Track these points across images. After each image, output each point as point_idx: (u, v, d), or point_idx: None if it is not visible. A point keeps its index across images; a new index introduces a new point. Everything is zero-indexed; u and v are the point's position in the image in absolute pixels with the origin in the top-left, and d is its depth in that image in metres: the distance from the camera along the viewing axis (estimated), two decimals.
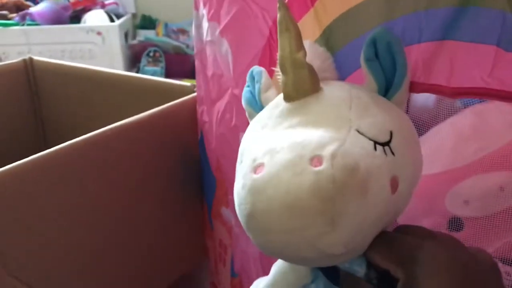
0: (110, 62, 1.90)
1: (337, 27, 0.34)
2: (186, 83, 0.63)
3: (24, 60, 0.83)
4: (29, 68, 0.83)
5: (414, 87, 0.30)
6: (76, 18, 1.95)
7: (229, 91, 0.47)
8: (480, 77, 0.27)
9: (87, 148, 0.47)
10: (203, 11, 0.47)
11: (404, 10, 0.30)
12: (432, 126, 0.67)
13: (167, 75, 1.99)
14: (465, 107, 0.45)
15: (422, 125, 0.75)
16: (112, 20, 1.95)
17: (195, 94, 0.58)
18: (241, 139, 0.46)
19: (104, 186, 0.49)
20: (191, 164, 0.58)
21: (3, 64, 0.83)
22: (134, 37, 2.09)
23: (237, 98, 0.45)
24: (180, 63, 2.00)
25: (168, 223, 0.57)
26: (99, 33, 1.90)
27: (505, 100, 0.27)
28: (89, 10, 1.96)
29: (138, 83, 0.69)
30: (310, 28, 0.35)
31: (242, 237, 0.50)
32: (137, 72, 1.99)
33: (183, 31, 2.12)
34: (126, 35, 2.00)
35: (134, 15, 2.14)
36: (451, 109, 0.45)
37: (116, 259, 0.51)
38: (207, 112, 0.54)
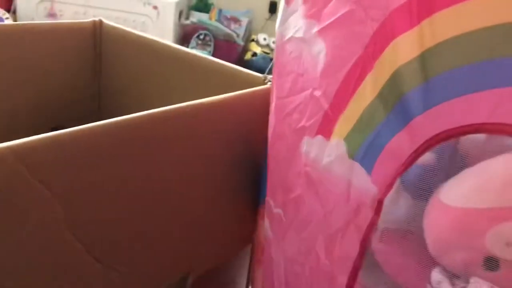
0: (161, 38, 1.92)
1: (441, 52, 0.33)
2: (257, 73, 0.63)
3: (94, 22, 0.84)
4: (97, 30, 0.84)
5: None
6: None
7: (308, 91, 0.47)
8: None
9: (148, 124, 0.47)
10: (300, 7, 0.47)
11: None
12: (479, 161, 0.66)
13: None
14: None
15: (469, 157, 0.74)
16: None
17: (267, 86, 0.58)
18: (304, 142, 0.46)
19: (164, 162, 0.49)
20: (254, 157, 0.59)
21: (73, 22, 0.84)
22: (187, 17, 2.11)
23: (317, 100, 0.45)
24: (227, 50, 2.01)
25: (220, 206, 0.57)
26: (155, 7, 1.92)
27: None
28: None
29: (206, 65, 0.69)
30: (407, 47, 0.34)
31: (274, 242, 0.50)
32: None
33: (236, 20, 2.13)
34: (180, 14, 2.02)
35: None
36: (503, 147, 0.44)
37: (164, 231, 0.52)
38: (271, 108, 0.54)
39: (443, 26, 0.33)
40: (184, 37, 2.04)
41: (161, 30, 1.94)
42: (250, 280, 0.63)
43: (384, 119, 0.36)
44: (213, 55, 1.99)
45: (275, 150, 0.52)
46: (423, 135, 0.35)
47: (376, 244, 0.75)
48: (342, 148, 0.39)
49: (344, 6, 0.39)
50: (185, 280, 0.55)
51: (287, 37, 0.52)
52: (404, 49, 0.34)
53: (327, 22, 0.42)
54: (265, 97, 0.59)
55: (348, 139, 0.39)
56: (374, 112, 0.36)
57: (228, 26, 2.11)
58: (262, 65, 2.06)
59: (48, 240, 0.41)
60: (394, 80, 0.35)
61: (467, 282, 0.66)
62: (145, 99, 0.80)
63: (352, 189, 0.40)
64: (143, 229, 0.49)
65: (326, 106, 0.41)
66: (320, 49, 0.43)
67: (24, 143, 0.38)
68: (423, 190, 0.84)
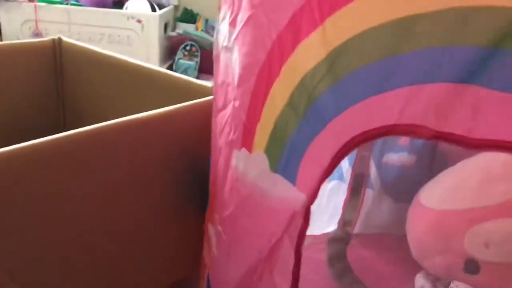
0: (147, 51, 1.91)
1: (345, 51, 0.31)
2: (208, 83, 0.61)
3: (53, 40, 0.83)
4: (57, 48, 0.83)
5: (423, 132, 0.27)
6: (119, 3, 1.97)
7: (232, 102, 0.44)
8: None
9: (90, 139, 0.46)
10: (227, 14, 0.45)
11: (421, 43, 0.27)
12: (459, 160, 0.63)
13: (201, 71, 1.99)
14: None
15: (449, 158, 0.71)
16: (153, 10, 1.96)
17: (211, 97, 0.56)
18: (234, 156, 0.43)
19: (106, 180, 0.47)
20: (199, 171, 0.56)
21: (33, 41, 0.83)
22: (173, 29, 2.10)
23: (237, 111, 0.42)
24: None
25: (166, 225, 0.55)
26: (139, 21, 1.92)
27: None
28: None
29: (165, 78, 0.68)
30: (314, 49, 0.32)
31: (220, 261, 0.48)
32: (172, 64, 2.00)
33: None
34: (165, 26, 2.01)
35: (176, 7, 2.14)
36: None
37: (109, 255, 0.50)
38: (213, 121, 0.52)
39: (346, 23, 0.30)
40: (171, 49, 2.03)
41: (146, 43, 1.93)
42: None
43: (297, 126, 0.33)
44: (200, 66, 1.98)
45: (217, 166, 0.49)
46: (340, 139, 0.32)
47: (353, 252, 0.72)
48: (263, 161, 0.37)
49: (248, 11, 0.37)
50: None
51: (220, 47, 0.50)
52: (311, 51, 0.32)
53: (239, 28, 0.39)
54: (209, 108, 0.57)
55: (268, 151, 0.37)
56: (287, 120, 0.34)
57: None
58: None
59: None
60: (303, 85, 0.32)
61: (449, 286, 0.63)
62: (106, 115, 0.78)
63: (280, 201, 0.37)
64: (76, 253, 0.47)
65: (244, 117, 0.39)
66: (235, 57, 0.41)
67: None
68: (404, 191, 0.81)
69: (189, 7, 2.14)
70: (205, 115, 0.56)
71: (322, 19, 0.31)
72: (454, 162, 0.63)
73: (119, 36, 1.92)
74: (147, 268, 0.54)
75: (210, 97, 0.57)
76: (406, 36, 0.27)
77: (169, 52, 2.04)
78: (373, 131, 0.30)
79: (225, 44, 0.47)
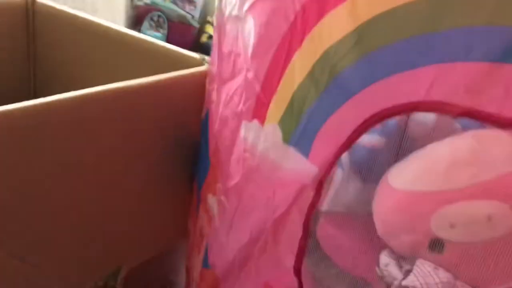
0: (112, 19, 1.83)
1: (375, 26, 0.31)
2: (194, 54, 0.59)
3: (26, 0, 0.78)
4: (30, 8, 0.78)
5: (451, 109, 0.28)
6: None
7: (243, 73, 0.44)
8: None
9: (80, 105, 0.44)
10: None
11: (457, 22, 0.27)
12: (427, 144, 0.66)
13: (168, 42, 1.94)
14: (464, 130, 0.43)
15: (418, 140, 0.73)
16: None
17: (204, 68, 0.54)
18: (243, 127, 0.43)
19: (92, 147, 0.46)
20: (189, 142, 0.55)
21: (3, 1, 0.78)
22: None
23: (249, 82, 0.42)
24: (182, 33, 1.94)
25: (154, 196, 0.54)
26: None
27: None
28: None
29: (143, 46, 0.65)
30: (342, 21, 0.32)
31: (222, 231, 0.48)
32: None
33: (190, 1, 2.06)
34: None
35: None
36: (450, 130, 0.43)
37: (95, 223, 0.48)
38: (217, 91, 0.51)
39: None
40: (136, 19, 1.96)
41: (112, 11, 1.85)
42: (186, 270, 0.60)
43: (316, 99, 0.34)
44: (168, 37, 1.93)
45: (221, 137, 0.49)
46: (363, 113, 0.33)
47: (321, 229, 0.74)
48: (277, 133, 0.37)
49: None
50: (117, 273, 0.52)
51: (226, 15, 0.49)
52: (337, 24, 0.32)
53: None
54: (201, 79, 0.55)
55: (282, 123, 0.37)
56: (305, 93, 0.34)
57: (182, 8, 2.04)
58: None
59: None
60: (327, 57, 0.32)
61: (414, 264, 0.66)
62: (80, 82, 0.75)
63: (290, 173, 0.37)
64: (68, 222, 0.45)
65: (258, 89, 0.39)
66: (250, 27, 0.40)
67: None
68: (372, 172, 0.83)
69: None
70: (196, 85, 0.55)
71: None
72: (421, 146, 0.66)
73: (83, 1, 1.83)
74: (134, 237, 0.54)
75: (202, 68, 0.56)
76: (443, 14, 0.28)
77: (135, 22, 1.97)
78: (398, 107, 0.30)
79: (234, 13, 0.46)
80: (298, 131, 0.35)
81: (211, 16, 2.13)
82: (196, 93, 0.53)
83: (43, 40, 0.79)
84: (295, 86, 0.35)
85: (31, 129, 0.40)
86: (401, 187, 0.62)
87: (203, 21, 2.11)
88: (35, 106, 0.40)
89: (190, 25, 2.00)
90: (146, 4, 1.94)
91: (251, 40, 0.41)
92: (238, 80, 0.46)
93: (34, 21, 0.79)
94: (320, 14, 0.33)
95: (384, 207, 0.64)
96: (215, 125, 0.50)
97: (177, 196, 0.57)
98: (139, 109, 0.49)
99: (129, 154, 0.49)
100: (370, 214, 0.66)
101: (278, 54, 0.37)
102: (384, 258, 0.68)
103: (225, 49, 0.50)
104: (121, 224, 0.51)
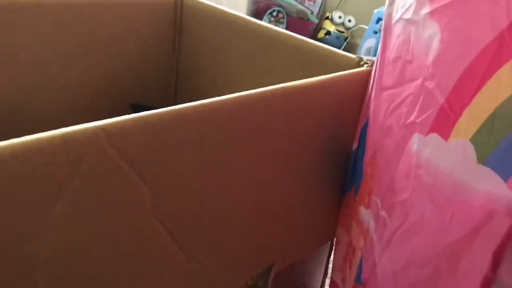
0: None
1: None
2: (351, 54, 0.57)
3: None
4: (178, 5, 0.82)
5: None
6: None
7: (419, 81, 0.41)
8: None
9: (245, 105, 0.44)
10: None
11: None
12: None
13: None
14: None
15: None
16: None
17: (365, 69, 0.52)
18: (415, 140, 0.40)
19: (254, 148, 0.46)
20: (343, 147, 0.54)
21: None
22: None
23: (430, 93, 0.39)
24: (300, 28, 1.95)
25: (306, 198, 0.53)
26: None
27: None
28: None
29: (291, 43, 0.65)
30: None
31: (378, 248, 0.45)
32: None
33: None
34: None
35: None
36: None
37: (252, 222, 0.49)
38: (375, 98, 0.48)
39: None
40: (256, 13, 2.00)
41: (233, 5, 1.90)
42: (327, 274, 0.59)
43: None
44: None
45: (383, 147, 0.47)
46: None
47: None
48: (469, 150, 0.34)
49: None
50: (268, 273, 0.52)
51: (395, 19, 0.47)
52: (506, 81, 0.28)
53: (443, 2, 0.36)
54: (361, 80, 0.53)
55: (475, 140, 0.34)
56: None
57: (302, 3, 2.04)
58: (336, 45, 1.97)
59: (134, 226, 0.39)
60: None
61: None
62: (223, 78, 0.77)
63: (480, 195, 0.34)
64: (225, 220, 0.46)
65: (441, 100, 0.36)
66: (433, 33, 0.37)
67: (115, 123, 0.35)
68: None
69: None
70: (355, 88, 0.53)
71: None
72: None
73: None
74: (286, 238, 0.53)
75: (364, 68, 0.53)
76: None
77: (255, 17, 2.01)
78: None
79: (407, 16, 0.43)
80: (499, 152, 0.32)
81: (330, 12, 2.10)
82: (355, 95, 0.52)
83: (188, 35, 0.82)
84: (499, 102, 0.32)
85: (204, 127, 0.41)
86: None
87: (322, 17, 2.09)
88: (204, 105, 0.41)
89: (308, 20, 1.99)
90: None
91: (435, 47, 0.38)
92: (408, 89, 0.43)
93: (181, 17, 0.82)
94: None
95: None
96: (373, 134, 0.48)
97: (327, 200, 0.56)
98: (299, 111, 0.48)
99: (286, 156, 0.49)
100: None
101: (477, 63, 0.33)
102: None
103: (390, 54, 0.47)
104: (275, 225, 0.51)
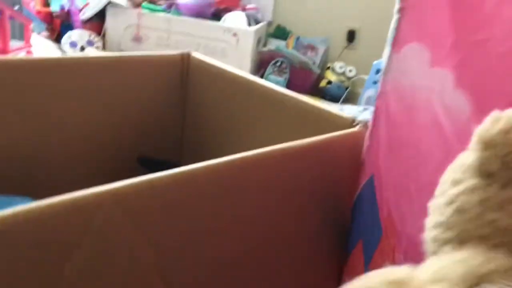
0: (239, 65, 1.96)
1: None
2: (346, 115, 0.60)
3: (182, 54, 0.86)
4: (185, 62, 0.86)
5: None
6: (217, 15, 2.03)
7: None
8: None
9: (248, 164, 0.47)
10: (425, 53, 0.43)
11: None
12: None
13: (288, 87, 2.01)
14: None
15: None
16: (249, 24, 2.00)
17: (356, 129, 0.55)
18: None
19: (246, 210, 0.48)
20: (340, 204, 0.56)
21: (161, 54, 0.87)
22: (265, 44, 2.13)
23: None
24: (303, 78, 2.01)
25: (304, 256, 0.55)
26: (235, 34, 1.96)
27: None
28: (231, 10, 2.03)
29: (289, 102, 0.68)
30: None
31: None
32: (261, 78, 2.03)
33: (312, 48, 2.13)
34: (258, 41, 2.04)
35: (269, 23, 2.18)
36: None
37: (248, 276, 0.50)
38: (384, 157, 0.51)
39: None
40: (261, 64, 2.06)
41: (239, 57, 1.97)
42: None
43: None
44: (289, 82, 2.00)
45: (397, 202, 0.48)
46: None
47: None
48: None
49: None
50: None
51: (404, 84, 0.49)
52: None
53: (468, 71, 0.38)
54: (354, 140, 0.56)
55: None
56: None
57: (304, 54, 2.11)
58: (337, 94, 2.03)
59: (136, 283, 0.41)
60: None
61: None
62: (227, 133, 0.81)
63: None
64: (221, 272, 0.48)
65: None
66: (462, 103, 0.38)
67: (122, 187, 0.38)
68: None
69: (282, 24, 2.17)
70: (349, 147, 0.56)
71: None
72: None
73: (214, 47, 1.98)
74: None
75: (356, 129, 0.57)
76: None
77: (259, 66, 2.08)
78: None
79: (425, 83, 0.45)
80: None
81: (332, 62, 2.17)
82: (349, 155, 0.54)
83: (194, 91, 0.86)
84: None
85: (212, 186, 0.44)
86: None
87: (323, 66, 2.16)
88: (208, 166, 0.43)
89: (310, 70, 2.05)
90: (270, 50, 2.04)
91: (467, 114, 0.38)
92: None
93: (188, 73, 0.87)
94: None
95: None
96: (386, 192, 0.50)
97: (328, 257, 0.58)
98: (295, 171, 0.50)
99: (281, 216, 0.51)
100: None
101: None
102: None
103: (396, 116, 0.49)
104: (275, 279, 0.52)
